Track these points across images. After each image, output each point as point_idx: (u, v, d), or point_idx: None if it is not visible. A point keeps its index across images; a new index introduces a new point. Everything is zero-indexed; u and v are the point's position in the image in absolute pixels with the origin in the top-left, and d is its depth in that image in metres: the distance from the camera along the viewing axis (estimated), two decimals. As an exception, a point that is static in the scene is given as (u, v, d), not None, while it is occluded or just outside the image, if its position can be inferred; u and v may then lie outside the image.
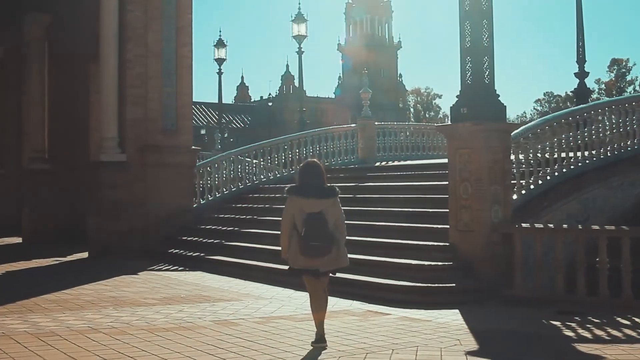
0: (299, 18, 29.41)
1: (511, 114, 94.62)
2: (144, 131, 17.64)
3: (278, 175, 20.01)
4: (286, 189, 7.65)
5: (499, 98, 11.36)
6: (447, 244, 11.39)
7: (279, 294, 10.93)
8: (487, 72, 11.26)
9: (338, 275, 11.27)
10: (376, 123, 22.40)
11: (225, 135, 51.85)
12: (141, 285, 12.24)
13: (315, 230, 7.28)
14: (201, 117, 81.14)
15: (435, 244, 11.56)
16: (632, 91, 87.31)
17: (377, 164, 20.66)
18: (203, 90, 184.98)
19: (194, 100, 19.42)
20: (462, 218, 11.20)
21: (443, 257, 11.21)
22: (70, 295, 10.76)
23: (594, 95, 74.99)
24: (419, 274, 10.86)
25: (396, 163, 20.20)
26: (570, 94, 25.02)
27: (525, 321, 9.14)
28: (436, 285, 10.48)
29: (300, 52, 29.12)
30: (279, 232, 7.70)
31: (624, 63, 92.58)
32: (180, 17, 18.27)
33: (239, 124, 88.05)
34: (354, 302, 10.37)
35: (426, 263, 10.98)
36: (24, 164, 22.50)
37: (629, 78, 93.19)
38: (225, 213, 18.27)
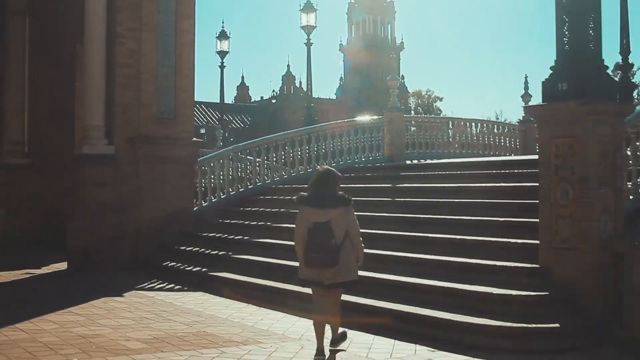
0: (308, 7, 26.68)
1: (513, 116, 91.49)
2: (135, 118, 14.88)
3: (293, 174, 17.05)
4: (295, 198, 7.45)
5: (608, 71, 8.52)
6: (536, 265, 8.49)
7: (309, 331, 7.95)
8: (593, 36, 8.40)
9: (390, 307, 8.63)
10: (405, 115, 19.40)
11: (226, 134, 49.40)
12: (125, 314, 9.29)
13: (318, 240, 7.00)
14: (201, 117, 78.72)
15: (519, 265, 8.64)
16: (637, 95, 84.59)
17: (408, 162, 17.75)
18: (202, 89, 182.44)
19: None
20: (559, 231, 8.27)
21: (531, 284, 8.29)
22: (24, 334, 7.78)
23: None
24: (504, 307, 7.94)
25: (434, 161, 17.22)
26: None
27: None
28: (534, 325, 7.55)
29: (308, 44, 26.34)
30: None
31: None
32: (181, -16, 15.45)
33: (239, 124, 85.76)
34: (418, 346, 7.53)
35: (513, 293, 8.05)
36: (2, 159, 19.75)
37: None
38: (231, 218, 15.42)
